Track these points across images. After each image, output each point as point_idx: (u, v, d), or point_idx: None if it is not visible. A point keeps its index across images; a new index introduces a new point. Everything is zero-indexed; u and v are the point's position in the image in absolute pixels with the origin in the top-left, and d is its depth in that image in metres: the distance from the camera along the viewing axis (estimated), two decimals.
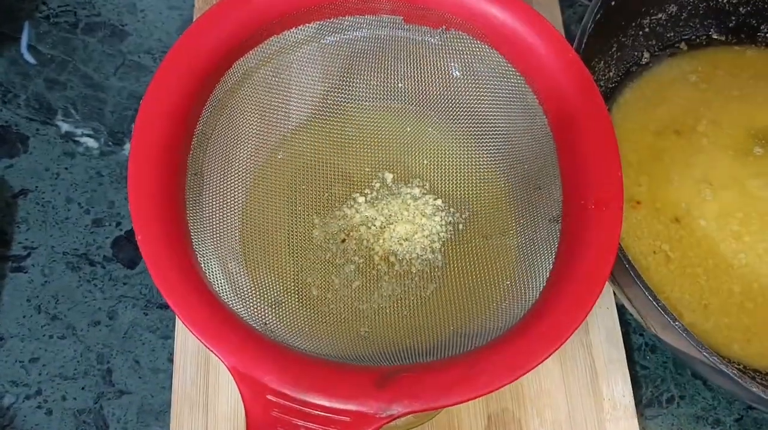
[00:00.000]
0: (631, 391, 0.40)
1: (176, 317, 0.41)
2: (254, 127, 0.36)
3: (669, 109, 0.48)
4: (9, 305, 0.42)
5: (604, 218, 0.29)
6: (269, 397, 0.25)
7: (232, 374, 0.25)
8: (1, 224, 0.44)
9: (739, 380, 0.31)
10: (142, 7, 0.52)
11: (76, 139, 0.47)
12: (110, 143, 0.47)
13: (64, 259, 0.43)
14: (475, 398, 0.25)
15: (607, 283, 0.41)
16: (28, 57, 0.49)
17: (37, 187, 0.45)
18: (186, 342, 0.40)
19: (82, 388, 0.40)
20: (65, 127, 0.47)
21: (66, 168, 0.46)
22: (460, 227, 0.37)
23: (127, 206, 0.45)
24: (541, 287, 0.30)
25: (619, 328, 0.41)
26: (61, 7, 0.51)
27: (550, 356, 0.26)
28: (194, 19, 0.48)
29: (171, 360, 0.41)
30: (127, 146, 0.47)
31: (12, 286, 0.43)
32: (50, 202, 0.45)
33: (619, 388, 0.40)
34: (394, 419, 0.25)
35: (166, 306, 0.42)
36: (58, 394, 0.40)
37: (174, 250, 0.28)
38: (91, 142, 0.47)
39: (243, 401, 0.25)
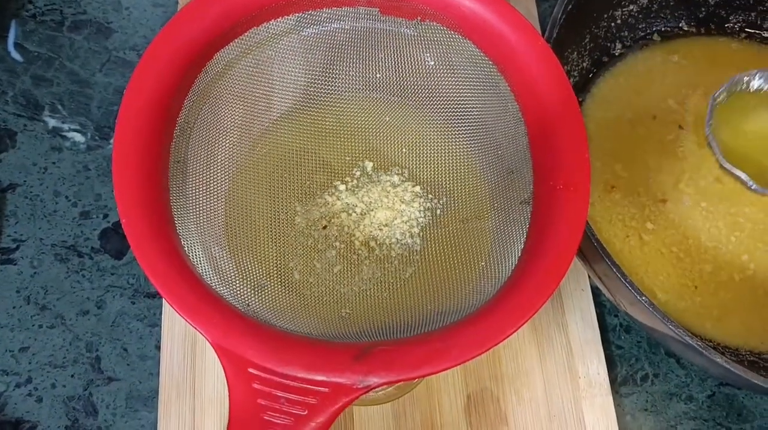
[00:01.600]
0: (606, 370, 0.41)
1: (163, 305, 0.42)
2: (236, 117, 0.37)
3: (643, 98, 0.49)
4: None
5: (572, 198, 0.30)
6: (251, 370, 0.26)
7: (214, 349, 0.26)
8: None
9: (704, 351, 0.32)
10: (127, 5, 0.53)
11: (64, 134, 0.48)
12: (97, 138, 0.48)
13: (53, 251, 0.44)
14: (448, 369, 0.27)
15: (581, 264, 0.42)
16: (15, 55, 0.50)
17: (25, 181, 0.46)
18: (173, 329, 0.41)
19: (72, 376, 0.41)
20: (52, 122, 0.48)
21: (53, 162, 0.47)
22: (438, 212, 0.38)
23: (114, 199, 0.46)
24: (513, 266, 0.31)
25: (593, 309, 0.43)
26: (47, 6, 0.52)
27: (517, 330, 0.27)
28: None
29: (158, 347, 0.41)
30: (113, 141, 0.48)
31: (1, 277, 0.43)
32: (38, 195, 0.46)
33: (594, 367, 0.41)
34: (371, 389, 0.26)
35: (153, 295, 0.43)
36: (48, 382, 0.41)
37: (157, 233, 0.29)
38: (78, 137, 0.48)
39: (225, 374, 0.26)
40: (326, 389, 0.26)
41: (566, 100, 0.32)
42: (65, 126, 0.48)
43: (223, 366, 0.26)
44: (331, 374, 0.26)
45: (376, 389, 0.27)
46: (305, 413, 0.26)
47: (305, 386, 0.26)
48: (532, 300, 0.28)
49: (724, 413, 0.42)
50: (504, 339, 0.27)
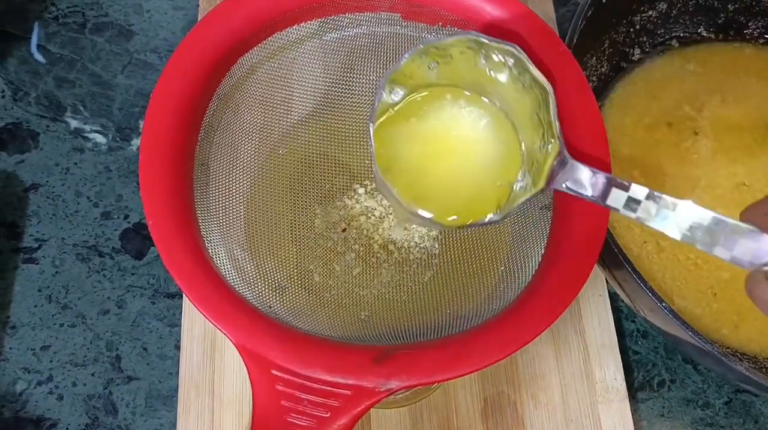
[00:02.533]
0: (623, 375, 0.41)
1: (182, 305, 0.43)
2: (258, 121, 0.37)
3: (661, 104, 0.49)
4: (21, 295, 0.44)
5: (593, 203, 0.31)
6: (274, 372, 0.26)
7: (239, 351, 0.27)
8: (13, 217, 0.45)
9: (723, 358, 0.32)
10: (148, 8, 0.53)
11: (85, 135, 0.48)
12: (118, 139, 0.48)
13: (74, 250, 0.45)
14: (468, 373, 0.27)
15: (599, 270, 0.42)
16: (38, 56, 0.51)
17: (47, 181, 0.47)
18: (192, 329, 0.41)
19: (92, 374, 0.42)
20: (74, 123, 0.49)
21: (75, 163, 0.47)
22: None
23: (135, 199, 0.46)
24: (534, 271, 0.31)
25: (611, 314, 0.43)
26: (69, 8, 0.53)
27: (538, 336, 0.28)
28: (198, 19, 0.49)
29: (177, 347, 0.42)
30: (134, 142, 0.48)
31: (24, 276, 0.44)
32: (60, 196, 0.46)
33: (611, 372, 0.41)
34: (393, 392, 0.26)
35: (172, 295, 0.44)
36: (68, 380, 0.42)
37: (183, 235, 0.29)
38: (99, 138, 0.48)
39: (249, 376, 0.26)
40: (348, 392, 0.26)
41: (587, 105, 0.33)
42: (87, 127, 0.49)
43: (246, 367, 0.27)
44: (352, 376, 0.26)
45: (396, 393, 0.27)
46: (328, 415, 0.26)
47: (328, 388, 0.26)
48: (552, 306, 0.28)
49: (740, 420, 0.42)
50: (524, 345, 0.28)
